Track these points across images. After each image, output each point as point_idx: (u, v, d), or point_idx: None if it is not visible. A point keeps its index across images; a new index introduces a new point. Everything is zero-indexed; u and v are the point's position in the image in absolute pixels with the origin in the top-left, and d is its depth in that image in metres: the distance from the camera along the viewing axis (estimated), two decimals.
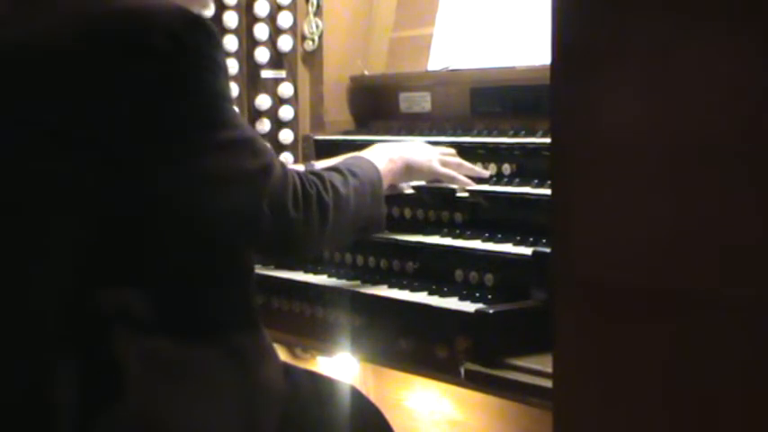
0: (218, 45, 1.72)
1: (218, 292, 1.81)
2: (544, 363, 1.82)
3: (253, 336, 1.85)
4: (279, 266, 2.54)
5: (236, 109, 1.93)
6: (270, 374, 1.85)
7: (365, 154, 2.27)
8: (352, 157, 2.24)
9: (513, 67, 2.64)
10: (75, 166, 1.66)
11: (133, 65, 1.65)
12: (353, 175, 2.10)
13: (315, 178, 1.98)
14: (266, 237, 1.86)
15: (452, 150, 2.45)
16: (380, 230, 2.22)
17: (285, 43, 2.97)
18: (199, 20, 1.70)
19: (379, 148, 2.33)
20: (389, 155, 2.31)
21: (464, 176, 2.41)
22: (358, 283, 2.34)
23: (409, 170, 2.34)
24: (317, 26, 2.98)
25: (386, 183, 2.22)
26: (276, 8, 2.97)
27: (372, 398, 2.51)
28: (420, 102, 2.91)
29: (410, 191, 2.44)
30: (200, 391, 1.75)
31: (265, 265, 2.54)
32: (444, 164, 2.41)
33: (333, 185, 2.00)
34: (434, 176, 2.40)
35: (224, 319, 1.81)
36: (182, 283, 1.76)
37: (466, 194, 2.38)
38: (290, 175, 1.88)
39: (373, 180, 2.15)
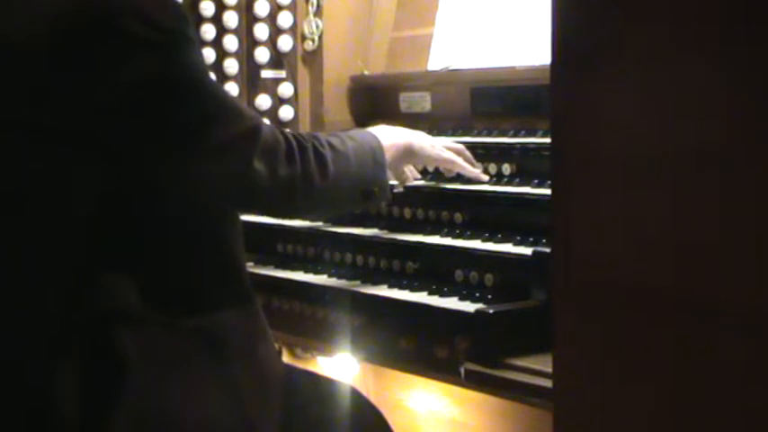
0: (187, 20, 1.74)
1: (213, 278, 1.83)
2: (544, 363, 1.82)
3: (249, 320, 1.87)
4: (279, 266, 2.54)
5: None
6: (267, 357, 1.88)
7: (367, 129, 2.29)
8: (351, 130, 2.25)
9: (513, 67, 2.64)
10: (66, 160, 1.68)
11: (107, 53, 1.66)
12: (351, 138, 2.11)
13: (309, 136, 1.99)
14: (268, 196, 1.88)
15: (460, 146, 2.45)
16: (386, 199, 2.20)
17: (285, 43, 2.97)
18: (163, 0, 1.71)
19: (380, 127, 2.34)
20: (393, 131, 2.31)
21: (466, 163, 2.41)
22: (358, 283, 2.34)
23: (410, 150, 2.32)
24: (317, 26, 2.98)
25: (388, 155, 2.19)
26: (276, 8, 2.97)
27: (372, 398, 2.51)
28: (420, 102, 2.91)
29: (412, 181, 2.45)
30: (198, 379, 1.76)
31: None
32: (447, 148, 2.40)
33: (329, 143, 2.01)
34: (435, 159, 2.39)
35: (220, 307, 1.82)
36: (177, 269, 1.79)
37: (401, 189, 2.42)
38: (280, 133, 1.90)
39: (374, 147, 2.13)
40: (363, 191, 2.10)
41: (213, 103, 1.76)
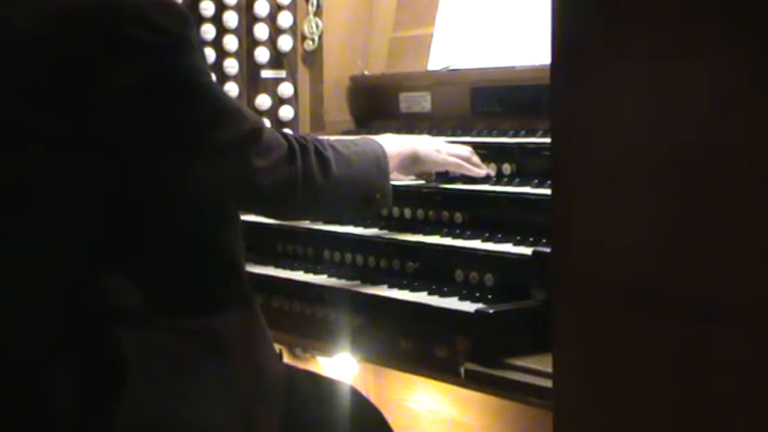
0: (190, 23, 1.75)
1: (213, 279, 1.83)
2: (544, 363, 1.82)
3: (249, 321, 1.87)
4: (279, 266, 2.54)
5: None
6: (266, 358, 1.88)
7: (372, 136, 2.29)
8: (356, 138, 2.26)
9: (513, 67, 2.64)
10: (68, 161, 1.68)
11: (111, 57, 1.67)
12: (355, 144, 2.12)
13: (311, 137, 2.01)
14: (270, 195, 1.90)
15: (466, 148, 2.44)
16: (388, 206, 2.20)
17: (285, 43, 2.97)
18: (167, 3, 1.72)
19: (386, 135, 2.33)
20: (397, 139, 2.31)
21: (473, 166, 2.41)
22: (358, 283, 2.33)
23: (416, 157, 2.32)
24: (317, 26, 2.98)
25: (393, 163, 2.20)
26: (276, 8, 2.97)
27: (372, 398, 2.51)
28: (420, 102, 2.91)
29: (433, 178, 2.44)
30: (199, 381, 1.76)
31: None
32: (453, 154, 2.40)
33: (331, 146, 2.03)
34: (442, 165, 2.39)
35: (220, 308, 1.83)
36: (177, 270, 1.79)
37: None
38: (282, 136, 1.92)
39: (378, 154, 2.14)
40: (365, 196, 2.11)
41: (215, 106, 1.78)
